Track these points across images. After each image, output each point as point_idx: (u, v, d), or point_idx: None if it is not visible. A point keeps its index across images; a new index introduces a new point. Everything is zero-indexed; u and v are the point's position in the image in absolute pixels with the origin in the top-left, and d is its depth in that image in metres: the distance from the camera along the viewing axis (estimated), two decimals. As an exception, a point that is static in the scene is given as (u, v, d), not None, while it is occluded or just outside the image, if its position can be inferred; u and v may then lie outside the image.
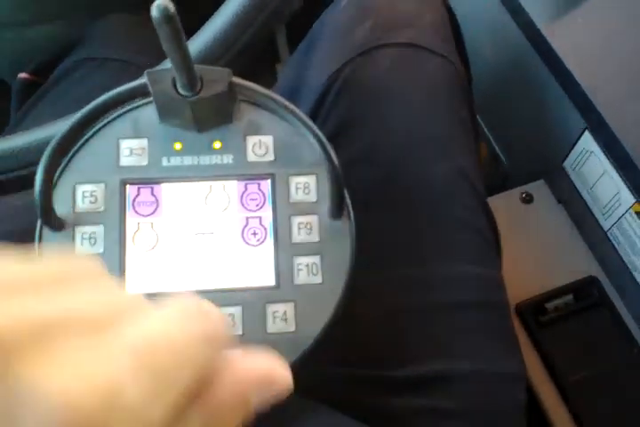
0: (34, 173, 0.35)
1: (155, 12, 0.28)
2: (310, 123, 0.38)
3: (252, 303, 0.37)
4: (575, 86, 0.64)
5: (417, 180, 0.50)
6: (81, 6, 0.76)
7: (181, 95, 0.36)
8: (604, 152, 0.66)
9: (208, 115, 0.38)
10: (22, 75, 0.73)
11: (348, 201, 0.39)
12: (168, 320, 0.19)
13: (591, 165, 0.70)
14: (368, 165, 0.51)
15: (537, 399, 0.64)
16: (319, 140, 0.37)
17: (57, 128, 0.37)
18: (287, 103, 0.38)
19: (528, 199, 0.76)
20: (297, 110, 0.38)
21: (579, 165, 0.73)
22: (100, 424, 0.16)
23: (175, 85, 0.36)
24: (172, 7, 0.28)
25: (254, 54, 0.50)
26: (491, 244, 0.52)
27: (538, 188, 0.78)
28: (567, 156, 0.74)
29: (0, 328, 0.16)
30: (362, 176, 0.50)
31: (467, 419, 0.43)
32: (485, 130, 0.93)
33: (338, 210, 0.38)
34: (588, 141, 0.69)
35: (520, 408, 0.47)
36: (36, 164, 0.36)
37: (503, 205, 0.75)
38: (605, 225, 0.71)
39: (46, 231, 0.37)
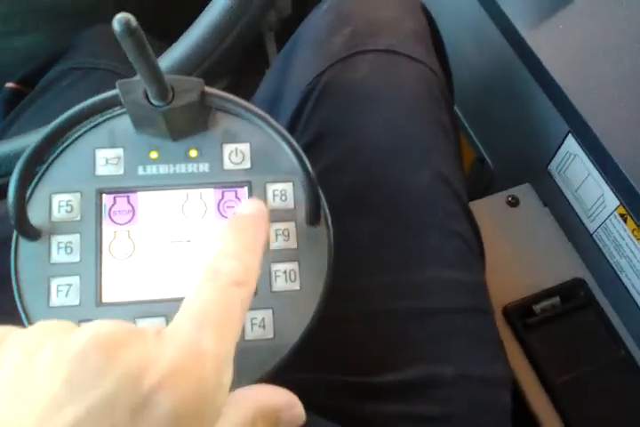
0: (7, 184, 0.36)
1: (116, 25, 0.28)
2: (284, 131, 0.38)
3: None
4: (557, 90, 0.65)
5: (399, 186, 0.50)
6: (66, 17, 0.77)
7: (153, 105, 0.36)
8: (587, 155, 0.66)
9: (182, 124, 0.38)
10: (9, 84, 0.74)
11: (326, 208, 0.39)
12: None
13: (575, 168, 0.70)
14: (348, 170, 0.51)
15: (525, 401, 0.64)
16: (293, 149, 0.37)
17: (34, 138, 0.37)
18: (260, 112, 0.38)
19: (514, 202, 0.77)
20: (270, 119, 0.38)
21: (563, 168, 0.73)
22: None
23: (147, 96, 0.36)
24: (133, 21, 0.28)
25: (236, 63, 0.51)
26: (474, 249, 0.52)
27: (523, 191, 0.78)
28: (552, 159, 0.75)
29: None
30: (343, 181, 0.50)
31: (450, 425, 0.43)
32: (472, 133, 0.94)
33: (315, 217, 0.38)
34: (571, 145, 0.69)
35: (505, 413, 0.47)
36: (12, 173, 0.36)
37: (489, 208, 0.76)
38: (591, 227, 0.71)
39: (22, 241, 0.37)
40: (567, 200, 0.74)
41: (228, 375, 0.26)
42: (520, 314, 0.67)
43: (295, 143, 0.38)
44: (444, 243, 0.50)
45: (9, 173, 0.38)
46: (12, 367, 0.24)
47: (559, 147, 0.72)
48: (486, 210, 0.74)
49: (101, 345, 0.24)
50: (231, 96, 0.38)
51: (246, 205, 0.35)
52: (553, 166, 0.75)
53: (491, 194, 0.78)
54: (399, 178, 0.51)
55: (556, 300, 0.68)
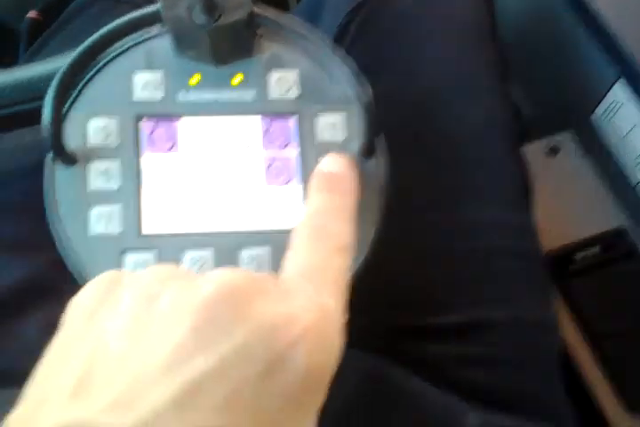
0: (41, 108, 0.33)
1: None
2: (341, 52, 0.35)
3: (281, 245, 0.35)
4: (608, 34, 0.61)
5: (448, 123, 0.48)
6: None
7: (198, 23, 0.33)
8: (636, 104, 0.63)
9: (227, 46, 0.36)
10: (31, 14, 0.70)
11: (383, 138, 0.37)
12: None
13: (622, 117, 0.67)
14: (393, 108, 0.48)
15: (567, 350, 0.62)
16: (352, 71, 0.35)
17: (67, 59, 0.35)
18: (313, 31, 0.35)
19: (554, 151, 0.73)
20: (325, 38, 0.35)
21: (608, 116, 0.70)
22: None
23: (191, 12, 0.33)
24: None
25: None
26: (522, 189, 0.50)
27: (564, 139, 0.75)
28: (596, 107, 0.71)
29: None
30: (390, 118, 0.47)
31: (501, 367, 0.42)
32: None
33: (371, 147, 0.36)
34: (619, 92, 0.66)
35: (554, 359, 0.45)
36: (43, 97, 0.33)
37: (528, 156, 0.72)
38: (634, 178, 0.68)
39: (57, 166, 0.35)
40: (610, 150, 0.70)
41: (344, 332, 0.26)
42: (560, 263, 0.65)
43: (354, 65, 0.35)
44: (495, 183, 0.47)
45: (41, 97, 0.35)
46: (128, 313, 0.24)
47: (606, 94, 0.68)
48: (525, 158, 0.71)
49: (231, 296, 0.23)
50: (282, 16, 0.35)
51: (333, 162, 0.33)
52: (597, 114, 0.71)
53: (528, 142, 0.75)
54: (449, 115, 0.48)
55: (596, 249, 0.66)
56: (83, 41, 0.35)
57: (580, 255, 0.65)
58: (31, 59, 0.62)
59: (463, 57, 0.51)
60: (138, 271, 0.26)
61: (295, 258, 0.27)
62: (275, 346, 0.22)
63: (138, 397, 0.21)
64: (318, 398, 0.24)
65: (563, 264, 0.65)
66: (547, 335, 0.45)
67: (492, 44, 0.54)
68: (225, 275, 0.24)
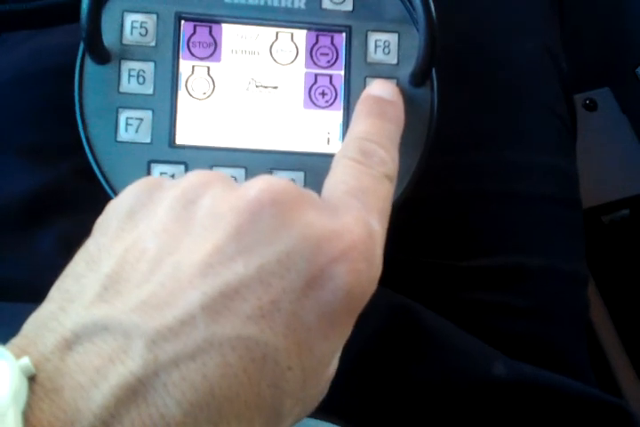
0: (77, 1, 0.30)
1: None
2: None
3: (315, 170, 0.33)
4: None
5: (501, 55, 0.44)
6: None
7: None
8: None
9: None
10: None
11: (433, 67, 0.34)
12: None
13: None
14: (445, 34, 0.45)
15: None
16: None
17: None
18: None
19: (591, 106, 0.70)
20: None
21: (653, 73, 0.67)
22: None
23: None
24: None
25: None
26: (570, 134, 0.47)
27: (602, 95, 0.72)
28: (641, 62, 0.68)
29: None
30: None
31: (538, 318, 0.40)
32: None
33: (424, 75, 0.33)
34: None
35: (584, 314, 0.44)
36: None
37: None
38: (674, 140, 0.66)
39: (89, 64, 0.32)
40: (651, 108, 0.68)
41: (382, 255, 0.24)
42: (588, 224, 0.63)
43: None
44: (543, 123, 0.44)
45: None
46: (167, 214, 0.22)
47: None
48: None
49: (276, 201, 0.22)
50: None
51: (385, 88, 0.31)
52: (641, 70, 0.68)
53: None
54: (502, 47, 0.45)
55: (626, 212, 0.64)
56: None
57: (607, 218, 0.63)
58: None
59: None
60: (179, 178, 0.24)
61: (343, 177, 0.26)
62: (318, 260, 0.21)
63: (169, 298, 0.20)
64: (351, 321, 0.23)
65: (588, 227, 0.63)
66: (579, 288, 0.43)
67: None
68: (270, 180, 0.23)
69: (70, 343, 0.19)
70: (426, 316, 0.36)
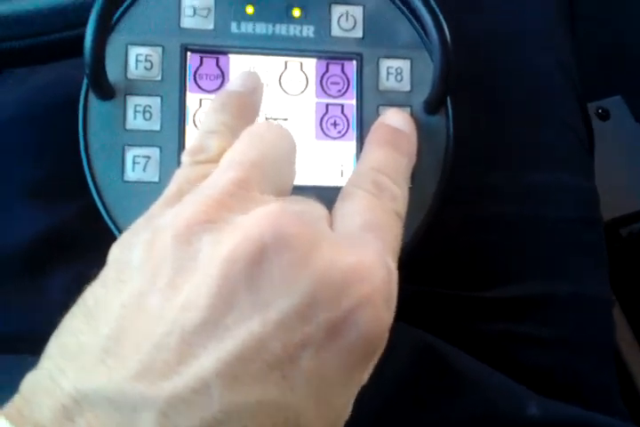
0: (80, 36, 0.29)
1: None
2: None
3: (329, 204, 0.32)
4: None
5: (515, 71, 0.43)
6: None
7: None
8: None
9: None
10: None
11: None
12: None
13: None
14: (459, 51, 0.44)
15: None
16: (430, 10, 0.30)
17: None
18: None
19: (604, 115, 0.69)
20: None
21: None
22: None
23: None
24: None
25: None
26: (588, 150, 0.46)
27: (615, 103, 0.70)
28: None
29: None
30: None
31: (564, 347, 0.39)
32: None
33: (439, 102, 0.32)
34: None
35: (612, 340, 0.42)
36: (83, 24, 0.29)
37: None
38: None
39: (93, 100, 0.31)
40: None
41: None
42: (606, 237, 0.62)
43: (436, 6, 0.31)
44: (561, 142, 0.43)
45: (80, 24, 0.31)
46: (165, 261, 0.20)
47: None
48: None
49: (289, 245, 0.20)
50: None
51: (400, 118, 0.30)
52: (655, 78, 0.67)
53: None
54: (516, 63, 0.43)
55: (644, 224, 0.62)
56: None
57: (625, 231, 0.62)
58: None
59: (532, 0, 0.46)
60: (174, 211, 0.22)
61: (357, 209, 0.25)
62: (339, 307, 0.20)
63: (178, 363, 0.18)
64: (369, 365, 0.22)
65: (608, 239, 0.62)
66: (606, 313, 0.42)
67: None
68: (277, 216, 0.21)
69: (70, 413, 0.18)
70: (453, 354, 0.35)
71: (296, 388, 0.19)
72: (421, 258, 0.37)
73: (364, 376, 0.22)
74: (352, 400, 0.22)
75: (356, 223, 0.24)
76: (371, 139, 0.29)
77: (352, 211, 0.25)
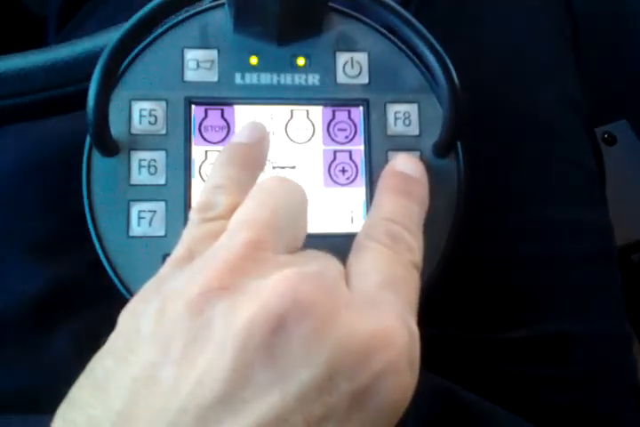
0: (81, 91, 0.29)
1: None
2: (424, 30, 0.30)
3: (340, 252, 0.31)
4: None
5: (519, 107, 0.43)
6: None
7: None
8: None
9: (294, 22, 0.31)
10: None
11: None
12: None
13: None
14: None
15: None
16: (436, 54, 0.30)
17: (111, 37, 0.30)
18: (395, 5, 0.31)
19: (610, 141, 0.69)
20: (406, 13, 0.31)
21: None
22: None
23: None
24: None
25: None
26: (599, 182, 0.46)
27: (620, 128, 0.70)
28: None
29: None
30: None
31: (584, 387, 0.38)
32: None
33: (447, 147, 0.32)
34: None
35: (633, 378, 0.41)
36: (84, 79, 0.29)
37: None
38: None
39: (96, 156, 0.30)
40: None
41: None
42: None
43: (440, 48, 0.30)
44: (574, 178, 0.43)
45: (80, 80, 0.31)
46: (175, 331, 0.20)
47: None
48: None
49: (307, 313, 0.19)
50: None
51: (410, 164, 0.29)
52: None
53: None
54: (520, 98, 0.43)
55: (656, 250, 0.62)
56: (125, 19, 0.31)
57: (637, 256, 0.61)
58: (64, 40, 0.56)
59: (535, 27, 0.46)
60: (185, 277, 0.22)
61: (374, 264, 0.24)
62: (362, 376, 0.19)
63: None
64: (394, 423, 0.21)
65: (620, 266, 0.61)
66: (625, 352, 0.41)
67: (567, 15, 0.49)
68: (294, 283, 0.20)
69: None
70: (470, 399, 0.34)
71: None
72: (438, 301, 0.37)
73: None
74: None
75: (374, 281, 0.23)
76: (381, 187, 0.28)
77: (368, 267, 0.24)
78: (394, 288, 0.23)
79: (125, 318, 0.22)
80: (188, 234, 0.24)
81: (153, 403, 0.18)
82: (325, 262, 0.23)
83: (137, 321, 0.21)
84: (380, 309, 0.22)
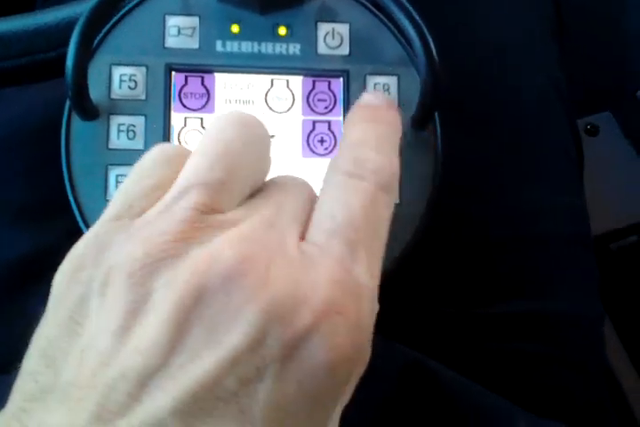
0: (63, 56, 0.29)
1: None
2: (405, 3, 0.31)
3: None
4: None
5: (505, 92, 0.43)
6: None
7: None
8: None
9: None
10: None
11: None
12: None
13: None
14: (450, 72, 0.44)
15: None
16: (415, 26, 0.30)
17: (91, 2, 0.30)
18: None
19: (593, 131, 0.69)
20: None
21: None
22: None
23: None
24: None
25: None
26: (578, 167, 0.46)
27: (604, 119, 0.71)
28: (642, 85, 0.67)
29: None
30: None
31: (556, 364, 0.38)
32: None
33: (425, 118, 0.32)
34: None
35: (604, 358, 0.42)
36: (66, 45, 0.29)
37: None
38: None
39: (76, 121, 0.31)
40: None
41: (375, 312, 0.21)
42: (597, 252, 0.61)
43: (419, 20, 0.30)
44: (554, 163, 0.43)
45: (62, 45, 0.31)
46: (118, 301, 0.19)
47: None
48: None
49: (233, 280, 0.19)
50: None
51: (377, 96, 0.27)
52: (642, 93, 0.67)
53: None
54: (507, 84, 0.43)
55: (634, 238, 0.62)
56: None
57: (615, 245, 0.62)
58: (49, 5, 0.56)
59: (524, 13, 0.46)
60: (124, 247, 0.21)
61: (330, 207, 0.22)
62: (290, 334, 0.19)
63: (135, 404, 0.18)
64: (341, 392, 0.20)
65: (597, 255, 0.62)
66: (597, 330, 0.42)
67: (551, 3, 0.49)
68: (231, 246, 0.19)
69: None
70: (442, 373, 0.34)
71: (255, 420, 0.18)
72: (416, 278, 0.37)
73: (336, 403, 0.20)
74: (331, 423, 0.21)
75: (325, 229, 0.21)
76: (347, 119, 0.26)
77: (325, 210, 0.22)
78: (346, 234, 0.21)
79: (63, 283, 0.21)
80: (129, 186, 0.23)
81: (97, 372, 0.19)
82: (283, 202, 0.22)
83: (79, 291, 0.20)
84: (318, 261, 0.20)
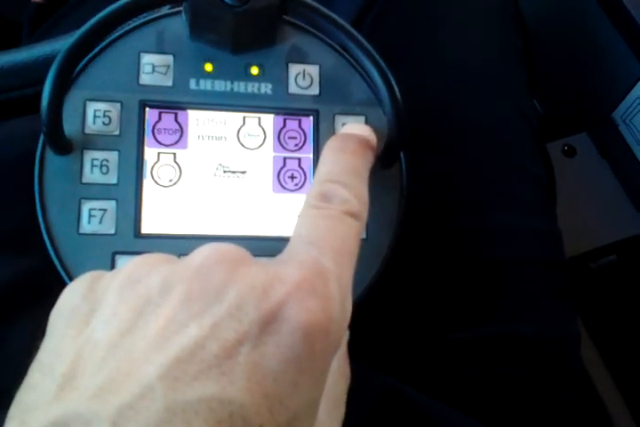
0: (38, 93, 0.30)
1: None
2: (371, 49, 0.32)
3: None
4: (633, 28, 0.58)
5: (472, 119, 0.44)
6: None
7: (226, 3, 0.30)
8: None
9: (249, 32, 0.32)
10: (36, -1, 0.66)
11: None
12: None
13: (643, 118, 0.64)
14: (415, 100, 0.45)
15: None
16: (380, 71, 0.31)
17: (69, 40, 0.31)
18: (345, 25, 0.32)
19: (570, 152, 0.70)
20: (355, 33, 0.32)
21: (629, 116, 0.67)
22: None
23: None
24: None
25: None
26: (548, 192, 0.47)
27: (580, 140, 0.72)
28: (617, 106, 0.68)
29: None
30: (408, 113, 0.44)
31: (529, 386, 0.39)
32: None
33: (393, 158, 0.33)
34: (642, 91, 0.63)
35: (579, 378, 0.43)
36: (42, 82, 0.30)
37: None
38: (655, 184, 0.66)
39: (49, 154, 0.31)
40: (631, 152, 0.67)
41: (349, 304, 0.24)
42: (574, 272, 0.62)
43: (384, 64, 0.32)
44: (520, 186, 0.44)
45: (38, 82, 0.32)
46: (113, 298, 0.22)
47: (628, 93, 0.65)
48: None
49: (223, 260, 0.22)
50: (317, 5, 0.32)
51: (351, 126, 0.31)
52: (618, 114, 0.68)
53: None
54: (473, 111, 0.44)
55: (613, 258, 0.63)
56: None
57: (595, 265, 0.63)
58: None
59: (488, 42, 0.48)
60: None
61: (299, 230, 0.25)
62: (267, 305, 0.21)
63: (126, 378, 0.19)
64: (322, 365, 0.22)
65: (577, 274, 0.63)
66: (572, 350, 0.42)
67: (520, 26, 0.51)
68: (215, 244, 0.23)
69: None
70: (420, 400, 0.35)
71: (236, 382, 0.19)
72: (384, 302, 0.38)
73: (319, 376, 0.22)
74: (316, 406, 0.22)
75: (295, 242, 0.24)
76: (322, 152, 0.29)
77: (295, 234, 0.25)
78: (312, 241, 0.24)
79: (59, 305, 0.23)
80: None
81: (94, 358, 0.20)
82: None
83: (71, 301, 0.23)
84: (291, 259, 0.23)
